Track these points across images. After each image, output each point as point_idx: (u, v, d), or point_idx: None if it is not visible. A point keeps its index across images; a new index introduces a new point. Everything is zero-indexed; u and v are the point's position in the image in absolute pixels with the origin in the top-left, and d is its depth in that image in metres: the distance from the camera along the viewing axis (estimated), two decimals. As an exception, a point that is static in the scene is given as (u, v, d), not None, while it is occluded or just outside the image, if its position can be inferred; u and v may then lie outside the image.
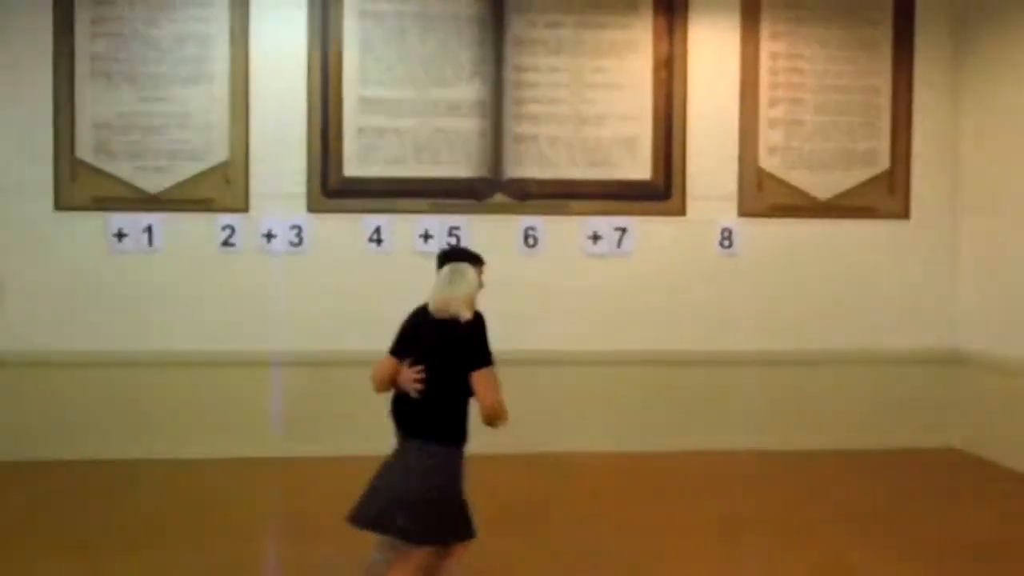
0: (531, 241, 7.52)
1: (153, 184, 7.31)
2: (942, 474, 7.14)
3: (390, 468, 3.86)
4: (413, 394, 3.83)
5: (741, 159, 7.73)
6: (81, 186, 7.28)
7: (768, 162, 7.74)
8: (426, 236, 7.43)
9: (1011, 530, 5.73)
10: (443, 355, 3.83)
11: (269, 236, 7.38)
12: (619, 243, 7.58)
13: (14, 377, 7.21)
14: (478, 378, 3.76)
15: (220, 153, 7.35)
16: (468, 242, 7.38)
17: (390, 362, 3.97)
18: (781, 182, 7.75)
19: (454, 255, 4.22)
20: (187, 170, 7.33)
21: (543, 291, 7.44)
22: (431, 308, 3.95)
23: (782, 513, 6.03)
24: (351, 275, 7.41)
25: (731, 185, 7.72)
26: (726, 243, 7.70)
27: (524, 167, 7.54)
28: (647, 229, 7.62)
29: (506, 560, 4.91)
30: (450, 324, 3.88)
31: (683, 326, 7.59)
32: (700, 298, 7.65)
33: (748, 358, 7.68)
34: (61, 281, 7.26)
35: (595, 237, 7.57)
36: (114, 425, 7.26)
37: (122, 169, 7.30)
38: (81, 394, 7.26)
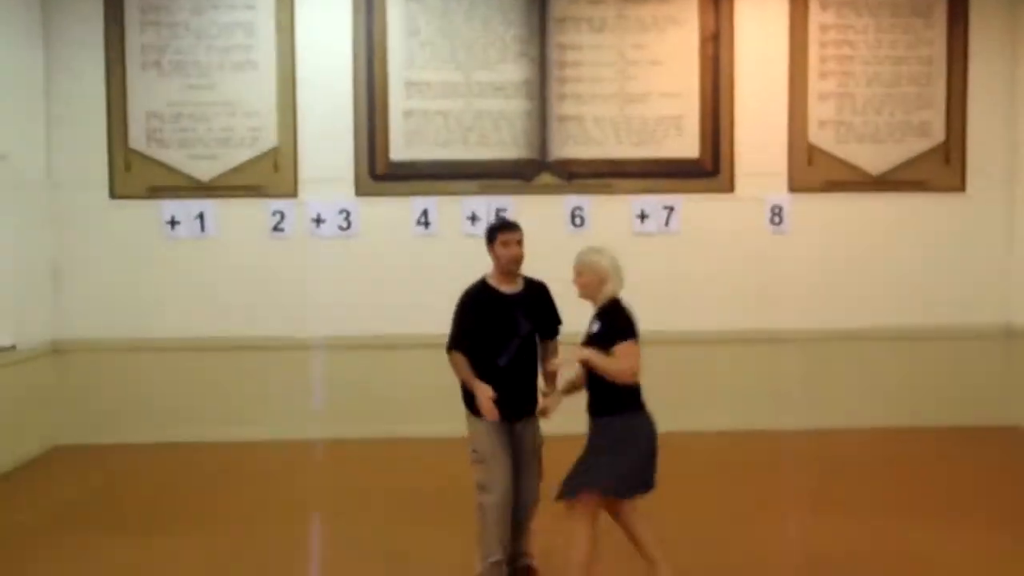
0: (578, 221, 7.49)
1: (204, 171, 7.42)
2: (1001, 451, 6.99)
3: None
4: None
5: (791, 134, 7.61)
6: (135, 175, 7.42)
7: (818, 136, 7.61)
8: (473, 218, 7.44)
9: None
10: None
11: (318, 221, 7.45)
12: (667, 222, 7.52)
13: (72, 363, 7.40)
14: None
15: (268, 139, 7.43)
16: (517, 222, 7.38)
17: None
18: (832, 157, 7.62)
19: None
20: (237, 157, 7.43)
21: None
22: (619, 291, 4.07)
23: (837, 490, 5.97)
24: (400, 258, 7.46)
25: (781, 161, 7.62)
26: (776, 220, 7.59)
27: (570, 147, 7.51)
28: (695, 207, 7.54)
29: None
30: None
31: (733, 304, 7.52)
32: (750, 276, 7.56)
33: (799, 336, 7.58)
34: (117, 268, 7.42)
35: (642, 216, 7.52)
36: (170, 408, 7.42)
37: (174, 157, 7.42)
38: (137, 379, 7.42)
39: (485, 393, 4.11)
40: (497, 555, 4.20)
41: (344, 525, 5.46)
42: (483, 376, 4.20)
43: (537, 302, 4.37)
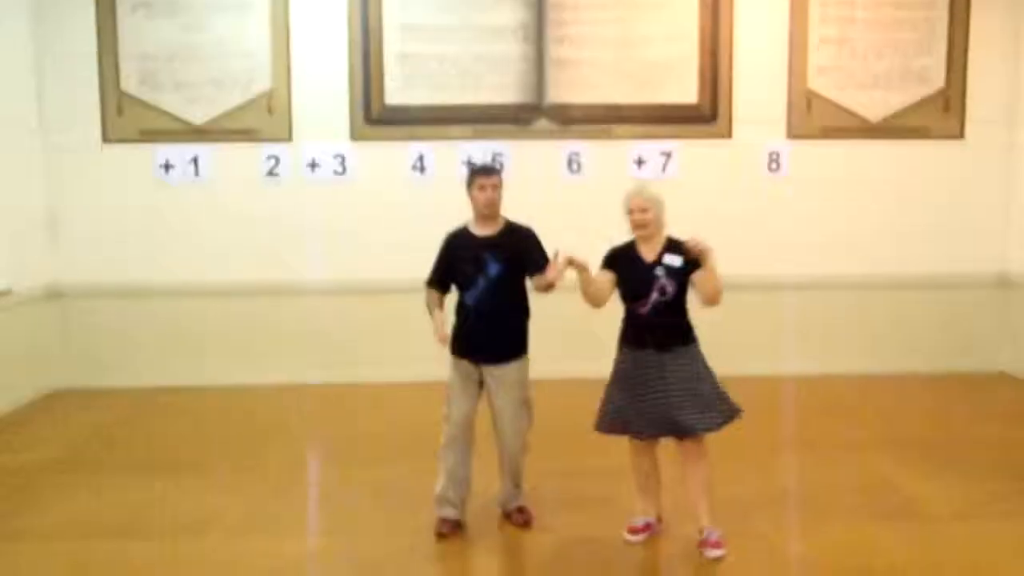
0: (575, 166, 7.46)
1: (198, 115, 7.35)
2: (990, 398, 7.06)
3: None
4: None
5: (790, 80, 7.54)
6: (127, 119, 7.35)
7: (817, 82, 7.54)
8: (470, 163, 7.38)
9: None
10: None
11: (313, 165, 7.41)
12: (664, 168, 7.49)
13: (69, 307, 7.42)
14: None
15: (262, 83, 7.35)
16: (512, 168, 7.36)
17: None
18: (831, 103, 7.56)
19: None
20: (230, 100, 7.35)
21: (587, 216, 7.38)
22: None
23: (829, 434, 6.04)
24: (395, 203, 7.43)
25: (779, 107, 7.56)
26: (774, 166, 7.56)
27: (567, 91, 7.44)
28: (693, 153, 7.50)
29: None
30: None
31: (730, 251, 7.45)
32: (747, 223, 7.56)
33: (796, 282, 7.60)
34: (111, 213, 7.39)
35: (640, 162, 7.49)
36: (166, 353, 7.46)
37: (166, 101, 7.34)
38: (134, 323, 7.45)
39: (436, 322, 4.45)
40: (448, 510, 4.41)
41: (337, 461, 5.55)
42: (457, 312, 4.46)
43: (516, 246, 4.41)
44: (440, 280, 4.52)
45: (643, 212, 4.14)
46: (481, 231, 4.44)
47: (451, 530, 4.39)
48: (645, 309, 4.11)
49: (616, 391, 4.19)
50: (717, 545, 4.10)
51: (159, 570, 4.10)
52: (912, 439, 5.95)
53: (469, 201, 4.45)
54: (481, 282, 4.36)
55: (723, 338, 7.55)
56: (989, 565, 4.09)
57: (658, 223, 4.18)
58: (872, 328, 7.70)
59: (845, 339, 7.70)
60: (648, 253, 4.18)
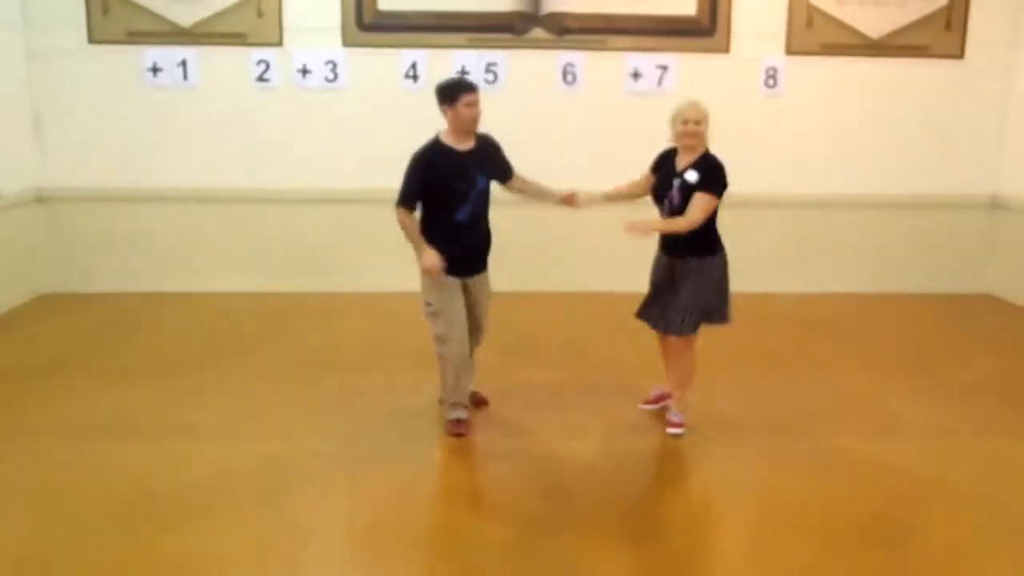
0: (570, 78, 7.34)
1: (185, 16, 7.17)
2: (976, 319, 7.15)
3: None
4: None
5: (790, -6, 7.39)
6: (113, 19, 7.16)
7: (819, -3, 7.40)
8: (463, 73, 7.28)
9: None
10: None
11: (304, 71, 7.27)
12: (660, 81, 7.39)
13: (56, 212, 7.35)
14: None
15: (252, -16, 7.17)
16: (506, 79, 7.25)
17: None
18: (831, 19, 7.43)
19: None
20: (219, 2, 7.16)
21: (582, 129, 7.32)
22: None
23: (816, 353, 6.12)
24: (388, 112, 7.32)
25: (779, 21, 7.42)
26: (771, 83, 7.47)
27: (563, 0, 7.28)
28: (690, 67, 7.39)
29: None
30: None
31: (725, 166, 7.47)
32: (742, 139, 7.48)
33: (787, 200, 7.60)
34: (98, 116, 7.26)
35: (636, 75, 7.38)
36: (153, 258, 7.44)
37: (154, 1, 7.14)
38: (121, 228, 7.40)
39: (431, 258, 4.32)
40: (462, 412, 4.62)
41: (322, 368, 5.59)
42: (442, 233, 4.38)
43: (491, 156, 4.54)
44: (418, 199, 4.43)
45: (697, 124, 4.32)
46: (461, 146, 4.42)
47: (467, 429, 4.60)
48: (663, 214, 4.47)
49: (648, 286, 4.67)
50: (677, 425, 4.58)
51: (151, 469, 4.16)
52: (895, 358, 6.05)
53: (449, 116, 4.41)
54: (472, 196, 4.39)
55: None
56: (967, 481, 4.19)
57: (705, 138, 4.37)
58: (862, 247, 7.74)
59: (835, 258, 7.73)
60: (681, 163, 4.41)
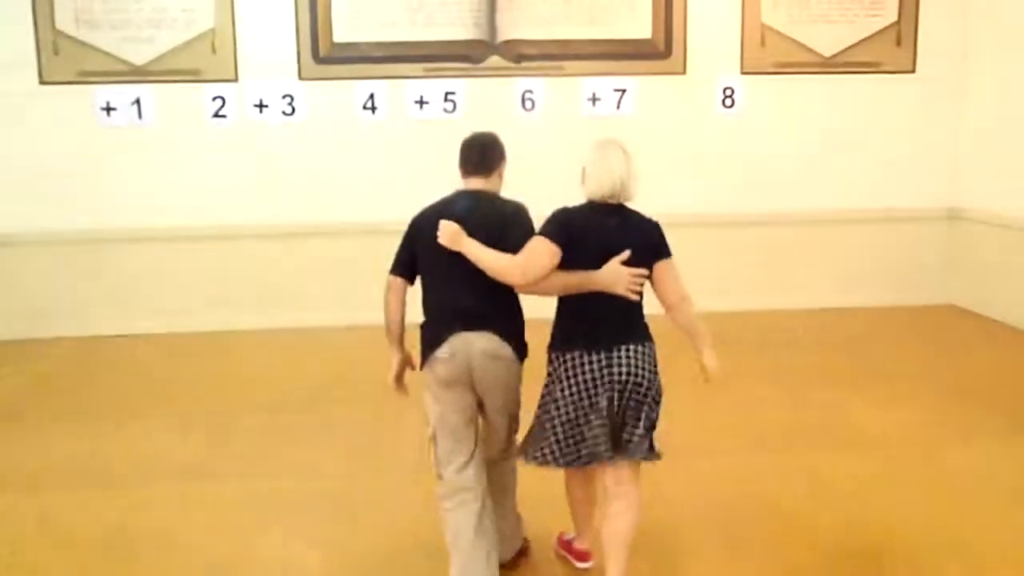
0: (528, 104, 7.35)
1: (138, 55, 7.10)
2: (939, 329, 7.21)
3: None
4: (631, 296, 3.21)
5: (744, 14, 7.47)
6: (64, 59, 7.07)
7: (772, 17, 7.48)
8: (421, 102, 7.26)
9: (1000, 379, 5.85)
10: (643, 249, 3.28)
11: (260, 106, 7.21)
12: (619, 104, 7.42)
13: (7, 256, 7.18)
14: (670, 267, 3.36)
15: (204, 21, 7.10)
16: (465, 107, 7.24)
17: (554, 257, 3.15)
18: (785, 37, 7.51)
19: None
20: (172, 39, 7.10)
21: (542, 155, 7.32)
22: (601, 195, 3.29)
23: (781, 367, 6.13)
24: (346, 144, 7.29)
25: (733, 42, 7.49)
26: (728, 102, 7.53)
27: (519, 27, 7.30)
28: (647, 89, 7.44)
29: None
30: (632, 212, 3.40)
31: (685, 187, 7.51)
32: (702, 158, 7.54)
33: (749, 218, 7.64)
34: (50, 157, 7.14)
35: (594, 99, 7.40)
36: (108, 301, 7.29)
37: (105, 40, 7.07)
38: (74, 271, 7.25)
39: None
40: None
41: (283, 406, 5.48)
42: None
43: None
44: None
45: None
46: None
47: None
48: None
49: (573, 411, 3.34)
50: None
51: (110, 515, 4.05)
52: (863, 370, 6.08)
53: (500, 176, 3.58)
54: None
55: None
56: (939, 490, 4.19)
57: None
58: (823, 262, 7.78)
59: (796, 273, 7.77)
60: None
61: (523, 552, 3.64)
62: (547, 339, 3.26)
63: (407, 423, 5.05)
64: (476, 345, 3.21)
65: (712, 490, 4.23)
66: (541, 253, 3.12)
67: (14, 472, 4.61)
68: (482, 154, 3.47)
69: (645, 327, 3.31)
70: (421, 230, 3.36)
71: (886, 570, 3.49)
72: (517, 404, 3.43)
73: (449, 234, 3.20)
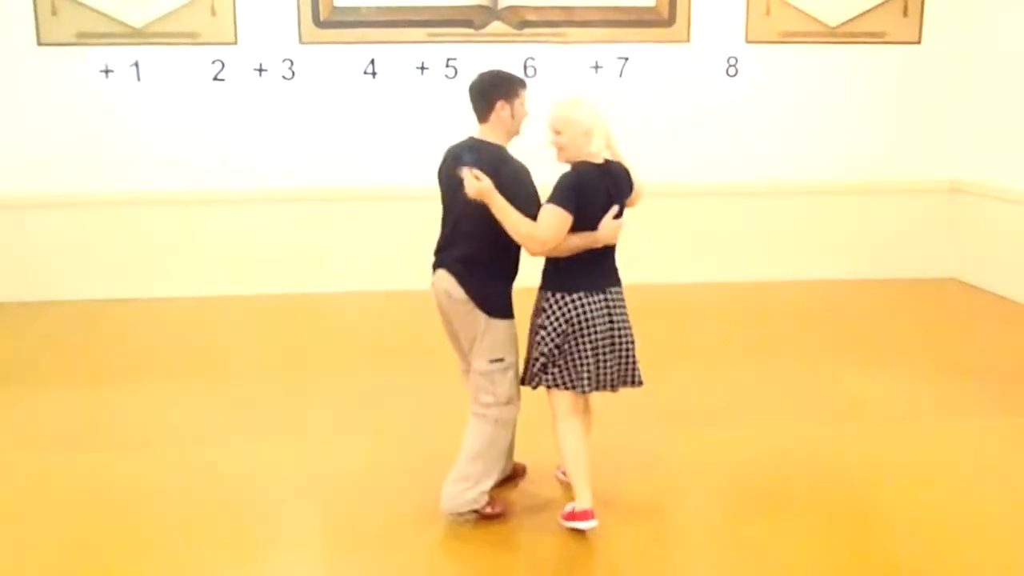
0: (530, 71, 7.29)
1: (137, 17, 7.02)
2: (939, 302, 7.20)
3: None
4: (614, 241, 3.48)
5: (749, -18, 7.39)
6: (62, 20, 6.99)
7: (777, -15, 7.40)
8: (422, 68, 7.20)
9: (1000, 352, 5.85)
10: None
11: (260, 70, 7.15)
12: (621, 72, 7.36)
13: (6, 218, 7.15)
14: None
15: (204, -18, 7.03)
16: (466, 73, 7.18)
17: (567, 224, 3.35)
18: (790, 7, 7.43)
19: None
20: (171, 1, 7.02)
21: (544, 122, 7.27)
22: (600, 151, 3.47)
23: (781, 340, 6.13)
24: (346, 109, 7.23)
25: (738, 10, 7.42)
26: (732, 71, 7.47)
27: (522, -7, 7.22)
28: (650, 58, 7.37)
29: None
30: (611, 163, 3.55)
31: (686, 157, 7.48)
32: (704, 128, 7.49)
33: (751, 188, 7.61)
34: (47, 119, 7.09)
35: (596, 66, 7.34)
36: (106, 264, 7.27)
37: (104, 2, 6.98)
38: (71, 234, 7.22)
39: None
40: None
41: (290, 371, 5.49)
42: (513, 271, 3.58)
43: None
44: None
45: (557, 134, 3.46)
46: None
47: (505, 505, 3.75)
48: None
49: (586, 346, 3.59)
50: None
51: (106, 481, 4.05)
52: (861, 343, 6.08)
53: (498, 118, 3.55)
54: None
55: (676, 243, 7.64)
56: (931, 462, 4.21)
57: (571, 149, 3.45)
58: (824, 234, 7.76)
59: (797, 244, 7.75)
60: None
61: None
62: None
63: (417, 388, 5.08)
64: (438, 283, 3.54)
65: (709, 458, 4.24)
66: (559, 226, 3.33)
67: (10, 433, 4.61)
68: (474, 101, 3.63)
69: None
70: (439, 171, 3.64)
71: (884, 537, 3.50)
72: (486, 358, 3.51)
73: (477, 188, 3.31)
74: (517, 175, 3.44)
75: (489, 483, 3.59)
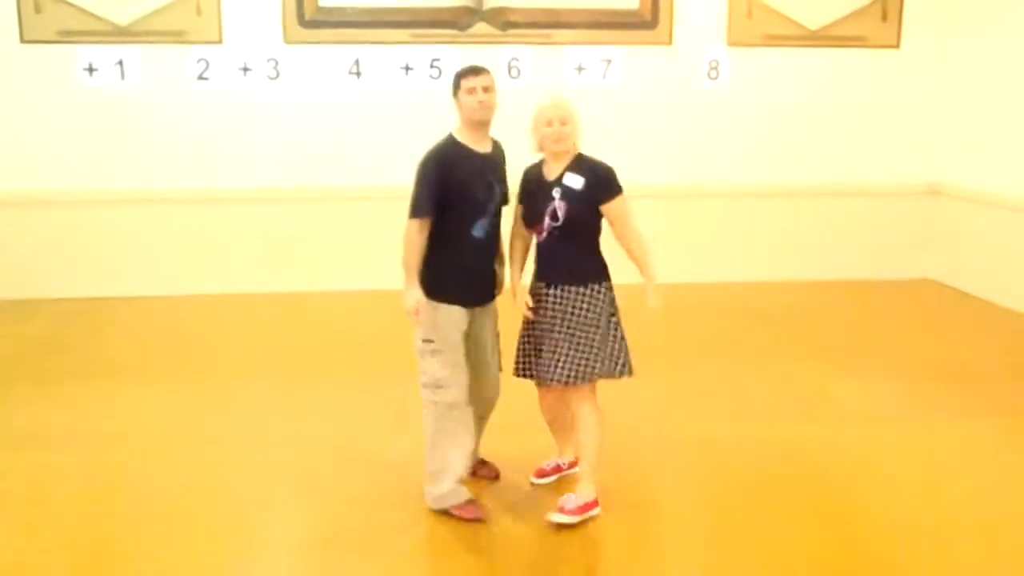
0: (514, 72, 7.34)
1: (121, 15, 7.02)
2: (917, 304, 7.29)
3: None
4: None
5: (731, -15, 7.46)
6: (46, 17, 6.99)
7: (758, -12, 7.48)
8: (407, 68, 7.24)
9: (977, 354, 5.93)
10: None
11: (245, 69, 7.17)
12: (605, 74, 7.41)
13: (-7, 216, 7.16)
14: None
15: (189, -19, 7.04)
16: (450, 74, 7.20)
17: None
18: (771, 10, 7.51)
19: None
20: (156, 0, 7.02)
21: (527, 123, 7.31)
22: None
23: (759, 340, 6.20)
24: (330, 109, 7.26)
25: (720, 13, 7.49)
26: (713, 74, 7.54)
27: (506, -5, 7.26)
28: (633, 60, 7.44)
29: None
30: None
31: (668, 158, 7.54)
32: (685, 130, 7.56)
33: (731, 190, 7.68)
34: (31, 118, 7.08)
35: (580, 68, 7.39)
36: (91, 263, 7.27)
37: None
38: (55, 233, 7.22)
39: (414, 298, 3.50)
40: (464, 495, 3.65)
41: (272, 372, 5.51)
42: (458, 251, 3.57)
43: (503, 166, 3.78)
44: (433, 209, 3.52)
45: (563, 124, 3.59)
46: (478, 146, 3.66)
47: (483, 512, 3.69)
48: (541, 237, 3.62)
49: (521, 329, 3.76)
50: (560, 511, 3.61)
51: (77, 483, 4.05)
52: (839, 344, 6.15)
53: (457, 109, 3.70)
54: (491, 208, 3.63)
55: (659, 245, 7.66)
56: (910, 462, 4.27)
57: (575, 139, 3.65)
58: (804, 235, 7.84)
59: (776, 246, 7.83)
60: (552, 172, 3.64)
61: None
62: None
63: (400, 385, 5.10)
64: None
65: (691, 460, 4.29)
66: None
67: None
68: None
69: None
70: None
71: (860, 536, 3.57)
72: (420, 337, 3.61)
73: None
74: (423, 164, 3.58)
75: (452, 477, 3.60)
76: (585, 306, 3.57)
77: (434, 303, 3.55)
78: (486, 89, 3.64)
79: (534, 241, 3.69)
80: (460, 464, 3.63)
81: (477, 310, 3.68)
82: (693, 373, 5.51)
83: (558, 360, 3.55)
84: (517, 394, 3.94)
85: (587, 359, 3.55)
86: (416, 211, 3.52)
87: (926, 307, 7.20)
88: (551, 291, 3.61)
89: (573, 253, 3.62)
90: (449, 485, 3.61)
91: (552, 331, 3.59)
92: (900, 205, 7.89)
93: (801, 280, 7.73)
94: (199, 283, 7.31)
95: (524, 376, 3.76)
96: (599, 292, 3.61)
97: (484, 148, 3.68)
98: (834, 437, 4.53)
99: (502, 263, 3.80)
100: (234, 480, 4.06)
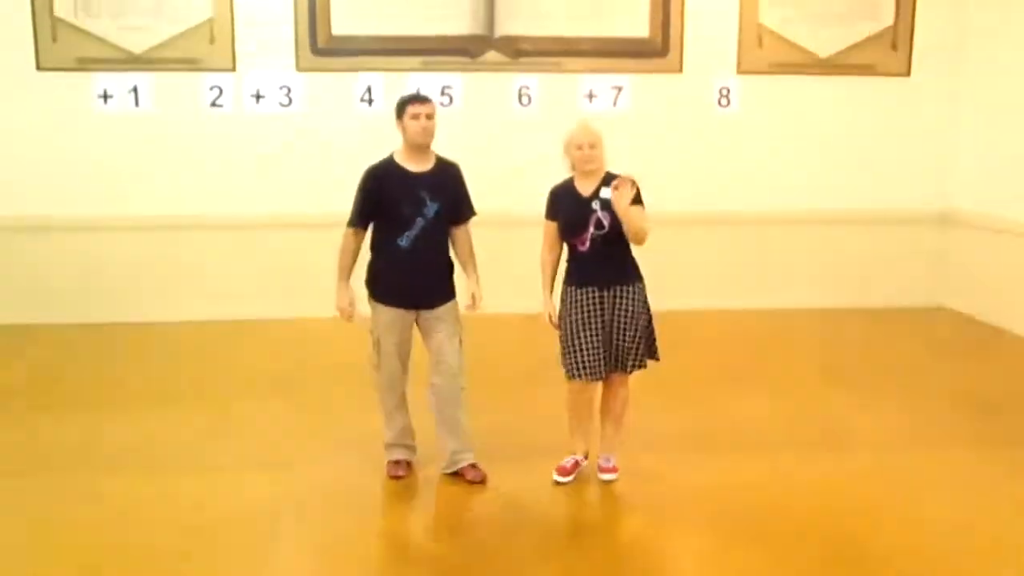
0: (525, 100, 7.37)
1: (136, 43, 7.10)
2: (931, 332, 7.25)
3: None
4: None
5: (741, 15, 7.49)
6: (62, 46, 7.07)
7: (769, 17, 7.51)
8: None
9: (992, 383, 5.88)
10: None
11: (257, 96, 7.23)
12: (615, 102, 7.45)
13: (3, 242, 7.17)
14: None
15: (203, 10, 7.11)
16: (461, 101, 7.27)
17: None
18: (781, 38, 7.55)
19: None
20: (170, 28, 7.10)
21: (538, 151, 7.33)
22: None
23: (770, 368, 6.16)
24: (343, 136, 7.29)
25: (730, 41, 7.52)
26: (724, 101, 7.56)
27: (517, 23, 7.31)
28: (644, 87, 7.47)
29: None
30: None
31: (679, 185, 7.54)
32: (696, 158, 7.58)
33: (743, 218, 7.68)
34: (46, 144, 7.14)
35: (591, 96, 7.43)
36: (105, 289, 7.27)
37: (103, 28, 7.06)
38: (69, 258, 7.24)
39: (341, 299, 4.28)
40: (399, 452, 4.36)
41: (272, 396, 5.50)
42: (385, 258, 4.19)
43: (447, 184, 4.21)
44: (366, 221, 4.22)
45: (592, 148, 4.09)
46: (414, 166, 4.16)
47: (407, 471, 4.32)
48: (585, 246, 4.09)
49: (572, 334, 4.11)
50: (612, 471, 4.29)
51: (69, 508, 4.04)
52: (851, 371, 6.11)
53: (400, 132, 4.19)
54: (419, 223, 4.10)
55: (670, 271, 7.63)
56: (920, 492, 4.22)
57: (602, 159, 4.17)
58: (816, 263, 7.82)
59: (788, 273, 7.80)
60: (586, 188, 4.13)
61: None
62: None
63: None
64: None
65: (697, 483, 4.26)
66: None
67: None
68: None
69: None
70: None
71: (866, 567, 3.52)
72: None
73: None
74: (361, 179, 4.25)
75: (389, 432, 4.33)
76: (642, 299, 4.18)
77: (371, 302, 4.25)
78: (429, 116, 4.13)
79: (566, 252, 4.23)
80: (395, 426, 4.33)
81: (423, 313, 4.21)
82: (699, 399, 5.48)
83: (637, 348, 4.12)
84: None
85: (650, 345, 4.22)
86: (349, 220, 4.24)
87: (940, 335, 7.17)
88: (609, 292, 4.11)
89: (622, 255, 4.17)
90: (388, 437, 4.34)
91: (628, 326, 4.11)
92: (912, 233, 7.87)
93: (813, 307, 7.69)
94: (211, 309, 7.30)
95: (602, 378, 4.17)
96: (643, 287, 4.22)
97: (422, 167, 4.17)
98: (844, 465, 4.50)
99: (471, 274, 4.33)
100: (238, 506, 4.05)
